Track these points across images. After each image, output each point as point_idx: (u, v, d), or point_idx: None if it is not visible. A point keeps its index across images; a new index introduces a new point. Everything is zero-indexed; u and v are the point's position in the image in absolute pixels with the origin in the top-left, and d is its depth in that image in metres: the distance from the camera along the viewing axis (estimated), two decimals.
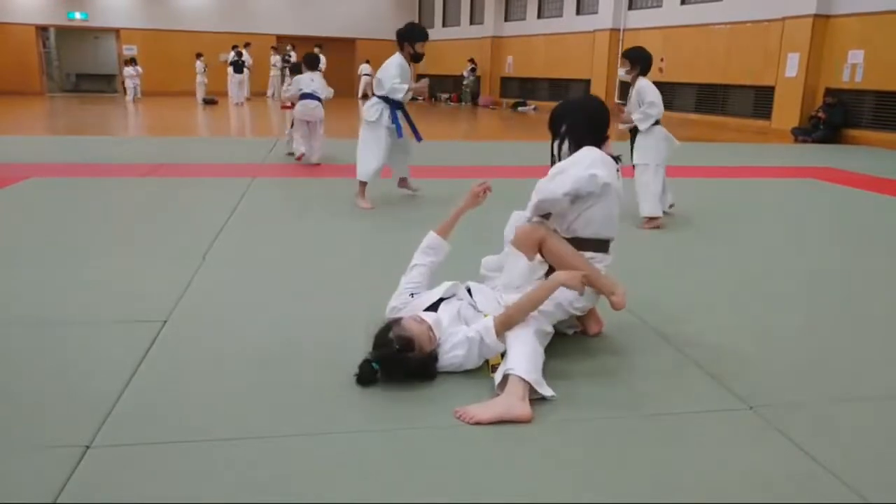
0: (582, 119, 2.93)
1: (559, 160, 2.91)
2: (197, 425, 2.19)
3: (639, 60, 5.38)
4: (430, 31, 24.15)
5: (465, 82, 23.02)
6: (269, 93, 21.66)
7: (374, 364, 2.47)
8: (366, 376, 2.47)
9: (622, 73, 5.57)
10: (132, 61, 20.51)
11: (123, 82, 20.28)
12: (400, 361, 2.46)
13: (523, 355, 2.45)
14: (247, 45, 20.82)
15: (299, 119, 8.12)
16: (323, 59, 19.57)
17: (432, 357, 2.55)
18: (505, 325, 2.56)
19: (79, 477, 1.90)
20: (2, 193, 5.98)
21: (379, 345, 2.50)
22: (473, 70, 22.77)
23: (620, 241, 3.07)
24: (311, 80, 8.13)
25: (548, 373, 2.60)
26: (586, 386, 2.55)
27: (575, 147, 2.88)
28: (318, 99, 8.05)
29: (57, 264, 3.92)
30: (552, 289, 2.61)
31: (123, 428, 2.16)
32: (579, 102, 3.09)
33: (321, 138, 8.21)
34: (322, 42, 21.16)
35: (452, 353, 2.57)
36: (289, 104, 8.68)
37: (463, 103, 22.93)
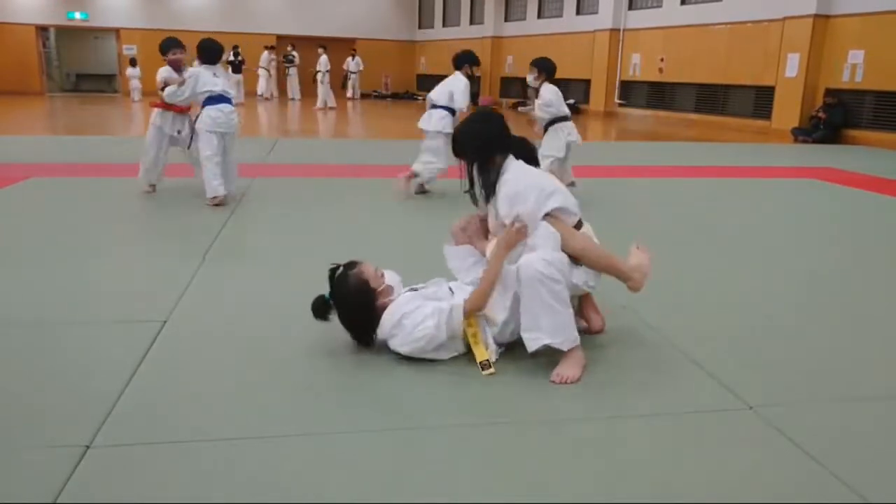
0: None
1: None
2: (197, 425, 2.19)
3: (544, 68, 6.21)
4: (429, 31, 24.06)
5: None
6: (266, 93, 21.56)
7: (327, 297, 2.71)
8: (318, 307, 2.72)
9: (531, 79, 6.23)
10: (133, 61, 20.49)
11: (129, 82, 20.18)
12: (344, 276, 2.71)
13: (557, 326, 2.56)
14: (271, 47, 21.08)
15: (211, 132, 5.56)
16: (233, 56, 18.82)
17: (373, 290, 2.70)
18: (475, 303, 2.63)
19: (79, 477, 1.90)
20: (2, 193, 5.98)
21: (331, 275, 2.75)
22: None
23: (619, 242, 3.07)
24: (215, 76, 5.65)
25: (547, 370, 2.60)
26: (584, 385, 2.55)
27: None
28: (231, 101, 5.74)
29: (57, 264, 3.92)
30: (503, 256, 2.67)
31: (123, 428, 2.16)
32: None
33: (235, 156, 5.85)
34: (323, 42, 21.13)
35: (423, 324, 2.60)
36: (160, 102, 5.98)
37: None
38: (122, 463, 1.99)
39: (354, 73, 22.18)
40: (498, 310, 2.70)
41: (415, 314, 2.63)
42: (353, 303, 2.70)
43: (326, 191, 6.51)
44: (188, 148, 5.99)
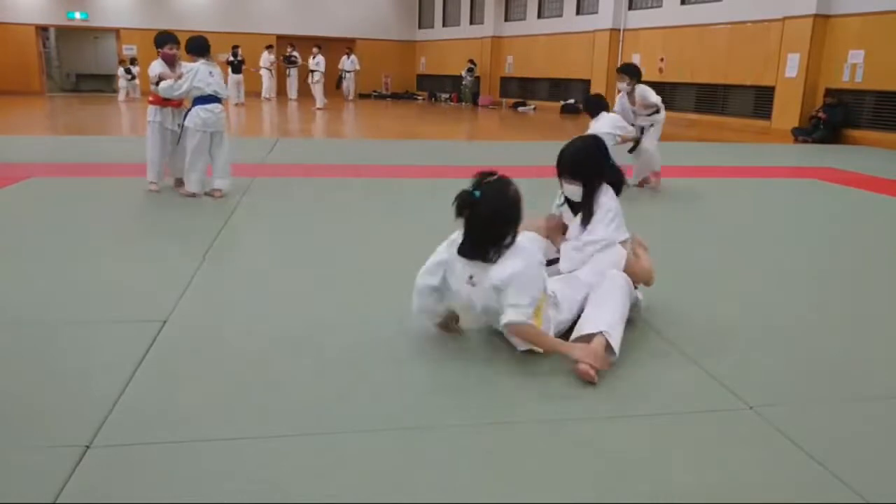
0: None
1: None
2: (197, 425, 2.19)
3: (634, 73, 6.77)
4: (429, 31, 23.93)
5: (463, 82, 22.94)
6: (268, 94, 21.43)
7: (475, 192, 2.61)
8: (465, 201, 2.62)
9: (623, 86, 6.75)
10: (127, 62, 20.42)
11: (119, 80, 20.18)
12: (508, 183, 2.67)
13: (619, 325, 2.74)
14: (270, 47, 20.92)
15: (199, 131, 5.76)
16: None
17: (520, 210, 2.70)
18: (523, 334, 2.68)
19: (79, 477, 1.90)
20: (2, 193, 5.98)
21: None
22: (471, 70, 22.70)
23: None
24: (211, 74, 5.81)
25: (547, 370, 2.60)
26: (585, 385, 2.55)
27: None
28: (220, 101, 5.90)
29: (57, 264, 3.92)
30: (563, 351, 2.67)
31: (123, 428, 2.16)
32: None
33: (227, 152, 5.96)
34: (322, 42, 21.11)
35: (528, 302, 2.63)
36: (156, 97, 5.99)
37: (463, 103, 22.92)
38: (122, 463, 1.99)
39: (350, 72, 21.31)
40: (565, 310, 2.87)
41: (534, 284, 2.67)
42: (508, 208, 2.67)
43: (327, 190, 6.51)
44: (176, 143, 6.01)
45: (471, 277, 2.71)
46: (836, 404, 2.48)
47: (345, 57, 21.29)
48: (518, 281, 2.61)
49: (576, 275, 3.02)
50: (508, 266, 2.63)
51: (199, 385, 2.48)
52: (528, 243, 2.77)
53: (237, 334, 2.96)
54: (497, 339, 2.92)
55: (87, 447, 2.04)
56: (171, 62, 5.90)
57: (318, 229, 5.02)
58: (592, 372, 2.52)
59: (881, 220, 6.03)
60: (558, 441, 2.18)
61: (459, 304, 2.88)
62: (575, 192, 3.12)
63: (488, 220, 2.63)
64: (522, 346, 2.73)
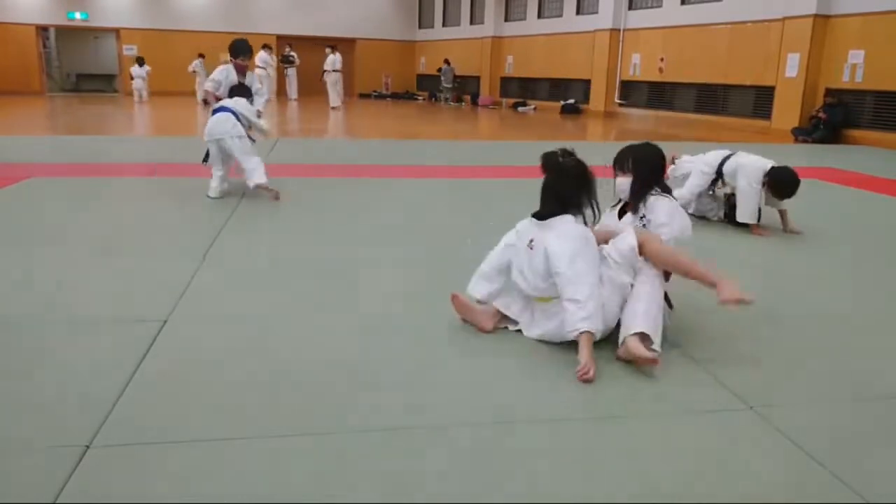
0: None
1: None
2: (197, 425, 2.19)
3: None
4: (430, 31, 23.73)
5: (444, 83, 22.91)
6: (268, 94, 21.17)
7: (560, 157, 2.82)
8: (552, 155, 2.82)
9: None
10: (141, 61, 20.31)
11: (132, 82, 20.00)
12: (581, 162, 2.86)
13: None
14: (268, 46, 20.63)
15: (209, 140, 5.84)
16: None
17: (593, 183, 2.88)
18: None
19: (79, 477, 1.90)
20: (2, 193, 5.98)
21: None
22: (440, 69, 22.61)
23: None
24: (233, 97, 5.94)
25: (547, 370, 2.60)
26: (585, 385, 2.55)
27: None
28: (229, 110, 5.82)
29: (57, 264, 3.92)
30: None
31: (123, 428, 2.16)
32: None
33: (247, 153, 5.82)
34: (321, 42, 21.07)
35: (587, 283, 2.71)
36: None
37: (442, 103, 22.93)
38: (122, 463, 1.99)
39: (332, 71, 18.96)
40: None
41: (590, 270, 2.72)
42: (583, 175, 2.86)
43: (326, 190, 6.50)
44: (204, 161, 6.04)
45: (531, 241, 2.82)
46: (836, 404, 2.48)
47: (330, 56, 19.01)
48: (574, 266, 2.68)
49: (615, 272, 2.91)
50: (566, 241, 2.71)
51: (199, 385, 2.48)
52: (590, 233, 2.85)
53: (237, 334, 2.96)
54: (498, 338, 2.92)
55: (87, 447, 2.04)
56: (242, 71, 6.07)
57: (317, 228, 5.02)
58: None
59: (881, 220, 6.03)
60: (558, 441, 2.18)
61: (520, 284, 2.92)
62: (625, 186, 3.19)
63: (565, 179, 2.82)
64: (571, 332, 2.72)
